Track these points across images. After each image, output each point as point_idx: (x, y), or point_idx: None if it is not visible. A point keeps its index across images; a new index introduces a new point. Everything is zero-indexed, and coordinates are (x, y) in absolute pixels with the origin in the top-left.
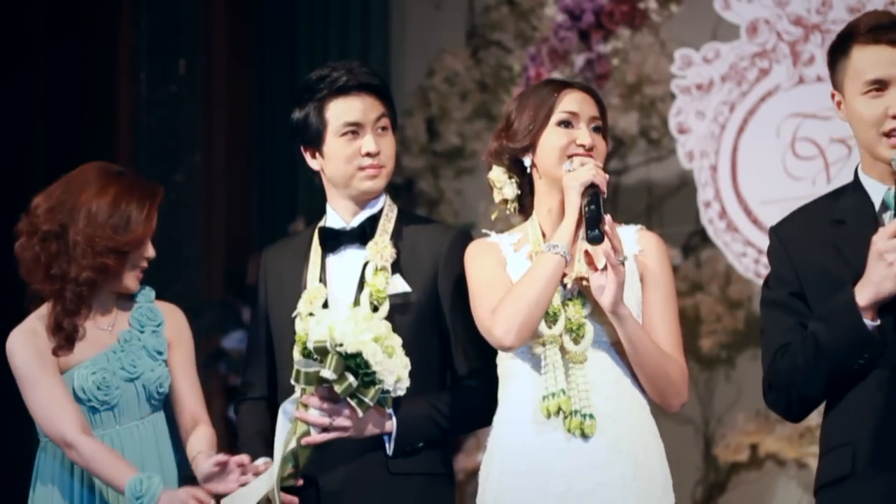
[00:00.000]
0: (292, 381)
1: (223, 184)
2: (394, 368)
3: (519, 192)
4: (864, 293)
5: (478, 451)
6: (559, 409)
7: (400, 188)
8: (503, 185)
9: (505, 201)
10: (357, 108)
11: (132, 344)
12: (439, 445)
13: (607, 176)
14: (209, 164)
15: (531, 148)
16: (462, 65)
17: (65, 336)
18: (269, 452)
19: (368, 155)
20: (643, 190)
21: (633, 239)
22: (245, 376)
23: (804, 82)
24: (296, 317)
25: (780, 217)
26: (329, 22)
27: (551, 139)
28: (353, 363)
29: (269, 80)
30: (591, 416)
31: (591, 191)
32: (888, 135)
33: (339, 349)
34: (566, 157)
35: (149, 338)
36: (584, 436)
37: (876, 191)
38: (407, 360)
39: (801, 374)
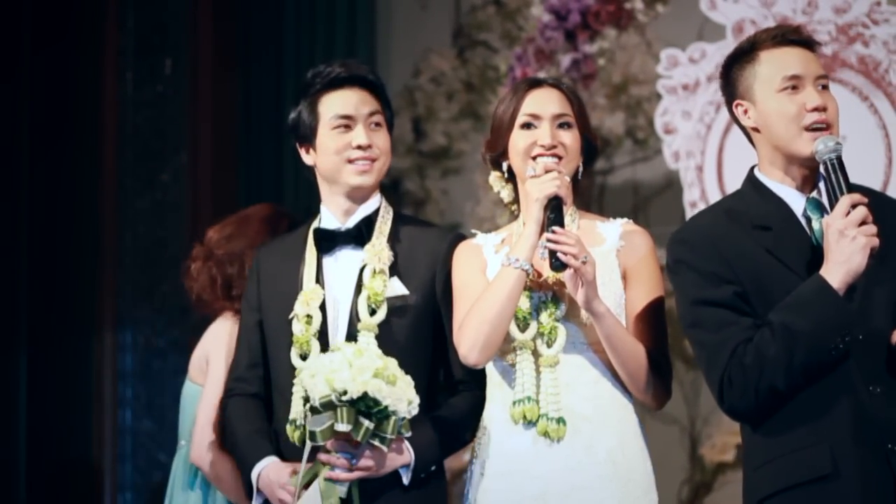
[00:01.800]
0: (308, 441)
1: (209, 183)
2: (402, 394)
3: (515, 193)
4: (836, 274)
5: (463, 451)
6: (524, 415)
7: (386, 188)
8: (499, 188)
9: (509, 203)
10: (349, 101)
11: None
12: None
13: (568, 179)
14: (195, 164)
15: (505, 152)
16: (448, 65)
17: None
18: (267, 450)
19: (359, 147)
20: (629, 190)
21: (617, 233)
22: (236, 373)
23: None
24: (292, 318)
25: None
26: (315, 21)
27: (516, 142)
28: (363, 406)
29: (255, 79)
30: (561, 421)
31: (553, 203)
32: (808, 129)
33: (344, 398)
34: (530, 159)
35: None
36: (554, 440)
37: (792, 198)
38: (409, 378)
39: (773, 366)
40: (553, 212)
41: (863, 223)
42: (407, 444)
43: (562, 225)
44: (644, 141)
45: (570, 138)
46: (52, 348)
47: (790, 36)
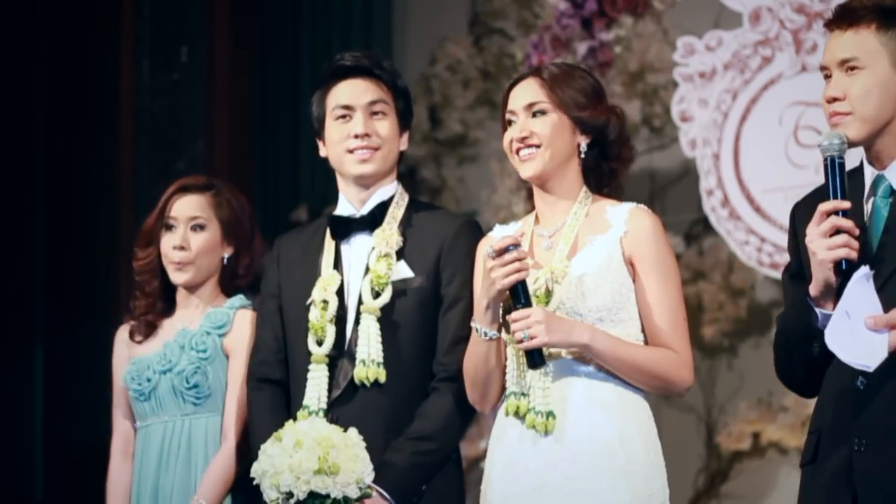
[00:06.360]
0: None
1: (225, 171)
2: (349, 478)
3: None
4: (812, 286)
5: (479, 439)
6: (515, 409)
7: (402, 176)
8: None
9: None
10: (348, 91)
11: (180, 341)
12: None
13: (526, 256)
14: (211, 152)
15: None
16: (464, 53)
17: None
18: None
19: (357, 136)
20: (645, 178)
21: (622, 219)
22: (260, 356)
23: (807, 70)
24: (310, 304)
25: (782, 205)
26: (332, 8)
27: (504, 139)
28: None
29: (271, 66)
30: (550, 415)
31: (518, 288)
32: (829, 115)
33: (292, 502)
34: (513, 153)
35: (199, 336)
36: (542, 433)
37: (869, 174)
38: (355, 449)
39: (779, 356)
40: (520, 296)
41: (836, 233)
42: (380, 493)
43: (527, 297)
44: (660, 129)
45: (541, 125)
46: (68, 337)
47: (830, 23)
